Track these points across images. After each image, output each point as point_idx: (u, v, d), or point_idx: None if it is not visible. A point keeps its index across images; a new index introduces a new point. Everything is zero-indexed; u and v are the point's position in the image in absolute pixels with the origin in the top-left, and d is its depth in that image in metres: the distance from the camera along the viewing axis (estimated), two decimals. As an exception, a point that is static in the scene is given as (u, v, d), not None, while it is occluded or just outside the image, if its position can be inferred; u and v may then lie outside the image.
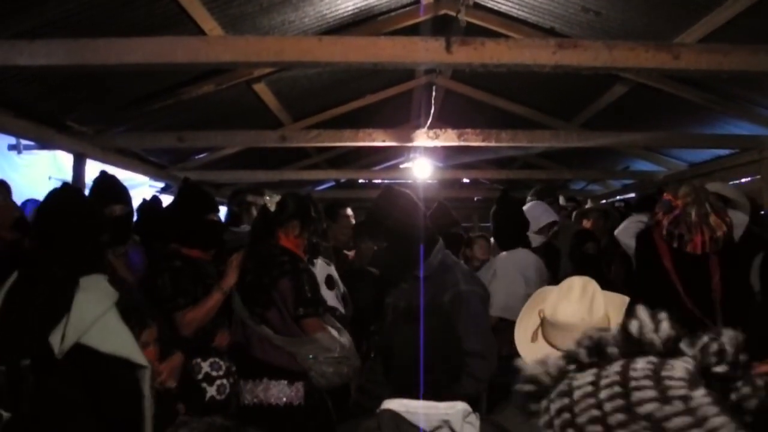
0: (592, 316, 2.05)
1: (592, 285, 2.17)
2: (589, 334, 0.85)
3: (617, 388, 0.77)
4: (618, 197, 9.24)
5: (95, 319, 2.36)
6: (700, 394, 0.72)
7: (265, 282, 3.35)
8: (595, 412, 0.77)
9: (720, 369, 0.73)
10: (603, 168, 9.16)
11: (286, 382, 3.25)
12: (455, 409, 1.79)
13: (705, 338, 0.77)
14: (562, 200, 6.23)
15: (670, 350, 0.80)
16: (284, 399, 3.22)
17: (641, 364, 0.78)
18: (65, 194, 2.83)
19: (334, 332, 3.34)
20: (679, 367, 0.76)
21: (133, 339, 2.46)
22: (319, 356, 3.20)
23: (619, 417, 0.75)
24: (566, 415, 0.80)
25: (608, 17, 4.51)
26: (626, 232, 4.03)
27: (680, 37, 4.23)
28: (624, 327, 0.83)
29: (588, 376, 0.82)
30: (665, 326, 0.81)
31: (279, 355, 3.26)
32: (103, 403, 2.36)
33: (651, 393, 0.74)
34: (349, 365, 3.27)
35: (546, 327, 2.13)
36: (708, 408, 0.71)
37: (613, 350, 0.82)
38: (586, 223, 5.68)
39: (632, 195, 8.80)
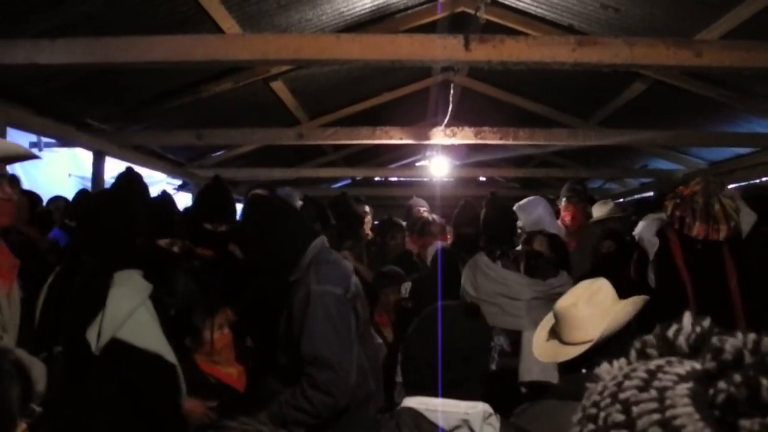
0: (590, 305, 2.08)
1: (601, 281, 2.18)
2: (641, 339, 0.84)
3: (619, 378, 0.79)
4: (637, 196, 9.18)
5: (128, 313, 2.39)
6: (681, 387, 0.72)
7: None
8: (596, 398, 0.79)
9: (709, 366, 0.73)
10: (621, 166, 9.10)
11: None
12: (476, 409, 1.77)
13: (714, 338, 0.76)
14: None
15: (695, 352, 0.79)
16: None
17: (654, 363, 0.78)
18: (104, 193, 2.89)
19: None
20: (686, 366, 0.76)
21: (164, 336, 2.48)
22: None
23: (606, 401, 0.77)
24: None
25: (627, 14, 4.47)
26: (649, 229, 3.98)
27: (701, 34, 4.18)
28: (660, 330, 0.83)
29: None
30: (693, 330, 0.80)
31: None
32: (139, 398, 2.39)
33: (636, 382, 0.75)
34: None
35: (555, 323, 2.15)
36: (679, 399, 0.71)
37: (652, 351, 0.82)
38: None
39: (650, 194, 8.73)
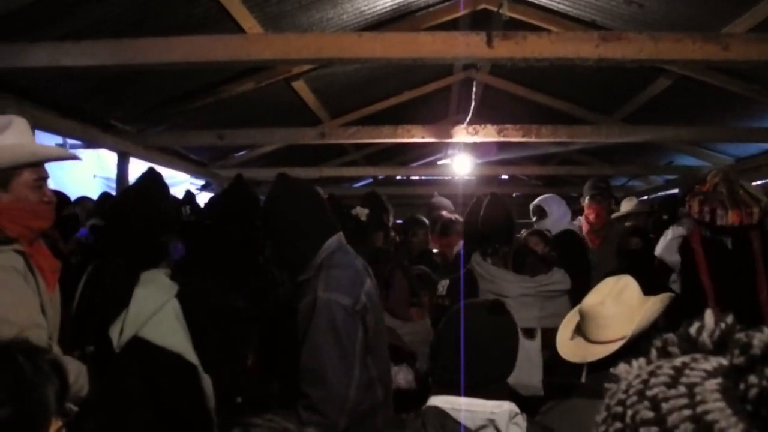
0: (617, 303, 2.05)
1: (627, 278, 2.15)
2: (662, 338, 0.84)
3: (645, 376, 0.78)
4: (662, 193, 9.07)
5: (152, 313, 2.39)
6: (711, 383, 0.72)
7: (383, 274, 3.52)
8: (621, 396, 0.78)
9: (738, 361, 0.71)
10: (645, 163, 8.99)
11: (405, 365, 3.33)
12: (501, 408, 1.75)
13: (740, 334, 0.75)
14: None
15: (720, 349, 0.78)
16: (408, 382, 3.30)
17: (680, 360, 0.78)
18: (131, 191, 2.92)
19: None
20: (712, 362, 0.75)
21: (187, 337, 2.49)
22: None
23: (633, 399, 0.76)
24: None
25: (651, 9, 4.41)
26: (669, 250, 4.00)
27: (727, 28, 4.11)
28: (683, 328, 0.82)
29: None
30: (717, 326, 0.80)
31: (395, 338, 3.32)
32: (161, 397, 2.40)
33: (664, 379, 0.75)
34: None
35: (581, 322, 2.12)
36: (709, 394, 0.71)
37: (674, 350, 0.81)
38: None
39: (676, 191, 8.62)
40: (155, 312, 2.41)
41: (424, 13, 5.36)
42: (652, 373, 0.77)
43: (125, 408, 2.35)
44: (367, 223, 4.02)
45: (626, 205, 5.75)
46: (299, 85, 5.89)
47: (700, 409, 0.70)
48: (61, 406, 1.19)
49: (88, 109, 5.03)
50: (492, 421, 1.73)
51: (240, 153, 8.04)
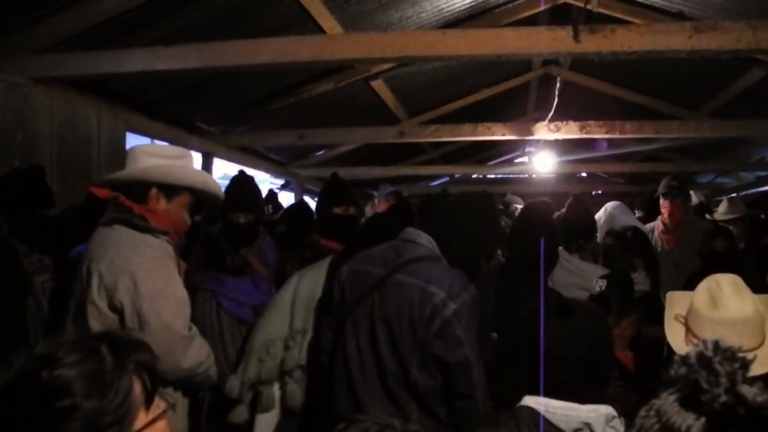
0: (759, 308, 1.95)
1: (738, 278, 2.05)
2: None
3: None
4: (752, 190, 8.68)
5: None
6: (671, 399, 0.95)
7: None
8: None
9: (681, 371, 0.94)
10: (735, 159, 8.62)
11: None
12: (598, 412, 1.71)
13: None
14: (694, 198, 5.87)
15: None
16: None
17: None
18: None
19: None
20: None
21: None
22: None
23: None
24: None
25: (745, -4, 4.22)
26: None
27: (830, 14, 3.89)
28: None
29: None
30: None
31: None
32: None
33: (643, 414, 1.01)
34: None
35: (705, 328, 2.00)
36: (670, 406, 0.94)
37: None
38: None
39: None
40: None
41: (503, 9, 5.29)
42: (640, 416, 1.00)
43: None
44: None
45: (722, 207, 5.55)
46: (378, 84, 5.91)
47: (664, 419, 0.94)
48: (149, 400, 1.20)
49: (174, 112, 5.20)
50: (588, 425, 1.70)
51: (319, 152, 8.15)
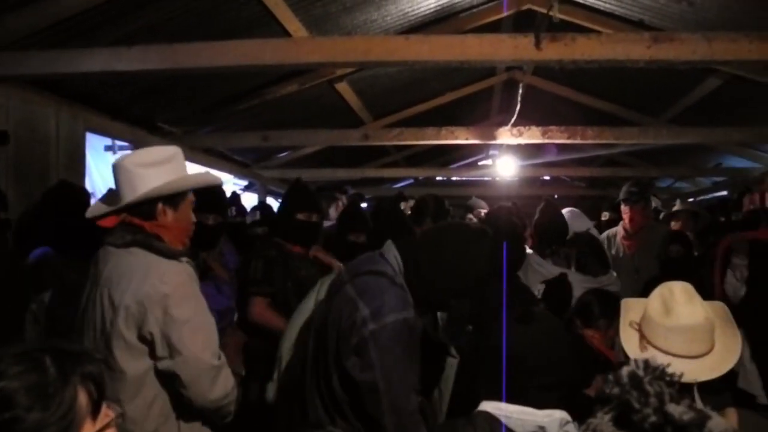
0: (710, 315, 2.00)
1: (690, 286, 2.10)
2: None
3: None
4: (708, 195, 8.88)
5: None
6: (606, 418, 0.97)
7: None
8: None
9: (614, 392, 0.97)
10: (692, 165, 8.80)
11: None
12: (552, 417, 1.74)
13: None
14: (654, 202, 6.01)
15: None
16: None
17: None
18: None
19: None
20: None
21: None
22: None
23: None
24: None
25: (703, 7, 4.30)
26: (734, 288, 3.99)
27: (783, 26, 4.00)
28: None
29: None
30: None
31: None
32: None
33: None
34: None
35: (658, 335, 2.04)
36: (606, 426, 0.96)
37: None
38: (675, 225, 5.48)
39: (724, 193, 8.44)
40: None
41: (467, 14, 5.32)
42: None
43: None
44: None
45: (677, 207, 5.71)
46: (342, 87, 5.91)
47: None
48: (95, 410, 1.20)
49: (136, 112, 5.12)
50: (542, 428, 1.73)
51: (282, 154, 8.11)
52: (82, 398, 1.17)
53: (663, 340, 1.99)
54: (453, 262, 2.25)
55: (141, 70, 3.40)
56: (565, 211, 5.18)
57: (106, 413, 1.22)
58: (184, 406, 2.25)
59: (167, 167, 2.33)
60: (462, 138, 5.99)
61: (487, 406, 1.80)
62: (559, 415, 1.77)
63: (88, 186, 4.90)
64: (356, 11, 4.60)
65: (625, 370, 0.98)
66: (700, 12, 4.37)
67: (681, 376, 0.99)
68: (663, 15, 4.63)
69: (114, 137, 5.44)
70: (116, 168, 2.35)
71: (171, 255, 2.28)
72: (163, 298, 2.17)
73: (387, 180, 10.87)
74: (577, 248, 4.26)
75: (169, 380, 2.21)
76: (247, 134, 6.28)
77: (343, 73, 5.53)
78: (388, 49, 3.30)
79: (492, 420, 1.76)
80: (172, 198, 2.34)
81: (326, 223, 4.91)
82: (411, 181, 11.55)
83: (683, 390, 0.99)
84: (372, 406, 2.12)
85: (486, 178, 10.48)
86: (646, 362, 0.98)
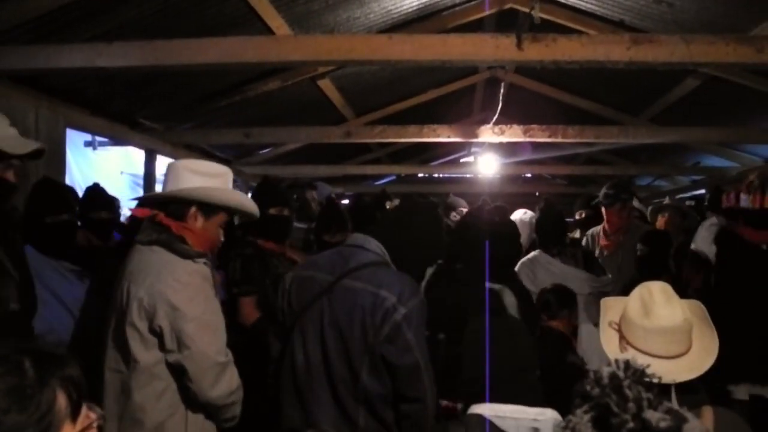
0: (688, 315, 2.02)
1: (668, 286, 2.13)
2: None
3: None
4: (688, 194, 8.97)
5: None
6: (585, 418, 0.97)
7: None
8: None
9: (594, 392, 0.97)
10: (671, 163, 8.89)
11: None
12: (545, 416, 1.77)
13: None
14: (636, 202, 6.06)
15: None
16: None
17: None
18: None
19: None
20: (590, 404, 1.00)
21: None
22: None
23: None
24: None
25: (682, 8, 4.36)
26: (704, 241, 3.98)
27: (759, 28, 4.05)
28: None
29: None
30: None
31: None
32: None
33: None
34: None
35: (638, 336, 2.06)
36: (584, 426, 0.96)
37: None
38: (661, 220, 5.53)
39: (702, 191, 8.53)
40: None
41: (450, 13, 5.34)
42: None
43: None
44: None
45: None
46: (325, 84, 5.90)
47: None
48: (75, 413, 1.20)
49: (116, 108, 5.09)
50: (536, 429, 1.75)
51: (264, 150, 8.08)
52: (61, 400, 1.17)
53: (642, 341, 2.01)
54: (426, 234, 2.51)
55: (122, 66, 3.37)
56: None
57: (87, 415, 1.23)
58: (192, 402, 2.36)
59: (212, 180, 2.50)
60: (444, 136, 6.01)
61: (479, 408, 1.82)
62: (551, 414, 1.79)
63: (67, 182, 4.86)
64: (339, 9, 4.60)
65: (605, 371, 0.98)
66: (679, 13, 4.43)
67: (660, 378, 1.00)
68: (643, 15, 4.68)
69: (94, 133, 5.41)
70: (168, 167, 2.57)
71: (188, 255, 2.39)
72: (174, 294, 2.29)
73: (369, 177, 10.88)
74: (582, 250, 4.63)
75: (179, 374, 2.33)
76: (228, 131, 6.26)
77: (325, 70, 5.52)
78: (371, 48, 3.30)
79: (484, 422, 1.77)
80: (206, 207, 2.48)
81: (299, 225, 4.89)
82: (393, 177, 11.56)
83: (661, 390, 1.01)
84: (415, 386, 2.22)
85: (468, 175, 10.52)
86: (627, 363, 0.99)
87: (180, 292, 2.31)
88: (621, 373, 0.97)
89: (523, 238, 4.77)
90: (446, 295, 3.05)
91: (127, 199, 5.84)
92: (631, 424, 0.92)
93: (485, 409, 1.80)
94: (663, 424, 0.91)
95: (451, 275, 3.19)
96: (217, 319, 2.41)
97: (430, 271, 3.18)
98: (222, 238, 2.60)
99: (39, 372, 1.16)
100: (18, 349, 1.20)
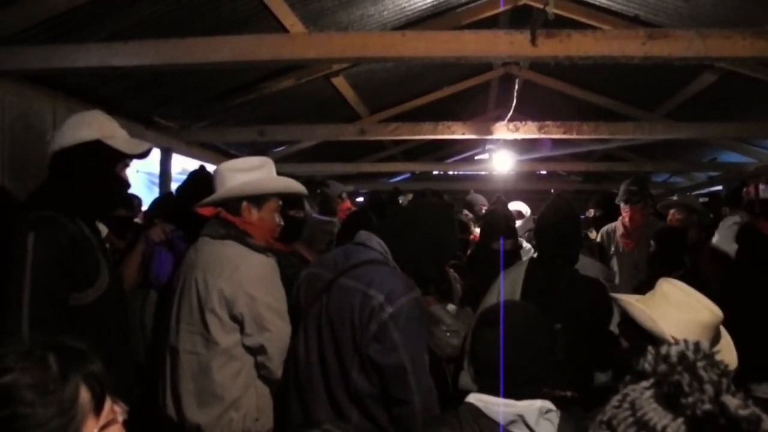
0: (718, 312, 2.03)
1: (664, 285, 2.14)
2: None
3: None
4: (704, 190, 8.91)
5: None
6: (647, 394, 0.94)
7: None
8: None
9: (661, 369, 0.94)
10: (688, 159, 8.83)
11: None
12: (532, 406, 1.78)
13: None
14: None
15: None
16: None
17: (629, 387, 1.02)
18: None
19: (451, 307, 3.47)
20: (651, 380, 0.97)
21: None
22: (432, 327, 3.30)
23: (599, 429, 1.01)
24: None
25: (697, 2, 4.32)
26: (725, 239, 3.94)
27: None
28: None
29: None
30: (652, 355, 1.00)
31: None
32: None
33: (615, 403, 0.99)
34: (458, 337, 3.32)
35: (679, 328, 2.06)
36: (646, 402, 0.93)
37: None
38: (674, 218, 5.50)
39: (719, 188, 8.47)
40: None
41: (464, 9, 5.33)
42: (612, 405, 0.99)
43: None
44: None
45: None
46: (339, 81, 5.91)
47: (639, 414, 0.93)
48: (98, 407, 1.21)
49: (132, 107, 5.12)
50: (521, 416, 1.76)
51: (278, 149, 8.10)
52: (84, 395, 1.19)
53: (679, 332, 2.02)
54: (434, 234, 2.47)
55: (137, 65, 3.39)
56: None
57: (112, 409, 1.24)
58: (263, 379, 2.62)
59: (253, 173, 2.74)
60: (458, 133, 6.00)
61: (472, 398, 1.84)
62: (540, 404, 1.80)
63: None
64: (353, 6, 4.60)
65: (673, 350, 0.94)
66: (694, 7, 4.39)
67: (735, 369, 0.96)
68: (658, 10, 4.64)
69: (110, 132, 5.42)
70: (214, 172, 2.85)
71: (259, 249, 2.64)
72: (251, 285, 2.54)
73: (383, 174, 10.88)
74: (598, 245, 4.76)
75: (253, 355, 2.58)
76: (243, 129, 6.28)
77: (339, 67, 5.53)
78: (385, 45, 3.30)
79: (476, 411, 1.80)
80: (255, 198, 2.71)
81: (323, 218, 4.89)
82: (408, 175, 11.56)
83: None
84: (400, 388, 2.19)
85: (483, 173, 10.49)
86: (697, 345, 0.94)
87: (257, 283, 2.55)
88: (691, 354, 0.93)
89: (521, 232, 4.81)
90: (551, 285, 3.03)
91: (143, 197, 5.88)
92: (708, 406, 0.87)
93: (476, 399, 1.83)
94: (743, 412, 0.87)
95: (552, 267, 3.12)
96: (286, 306, 2.62)
97: (522, 268, 3.15)
98: (280, 222, 2.82)
99: (63, 367, 1.18)
100: (42, 345, 1.22)
